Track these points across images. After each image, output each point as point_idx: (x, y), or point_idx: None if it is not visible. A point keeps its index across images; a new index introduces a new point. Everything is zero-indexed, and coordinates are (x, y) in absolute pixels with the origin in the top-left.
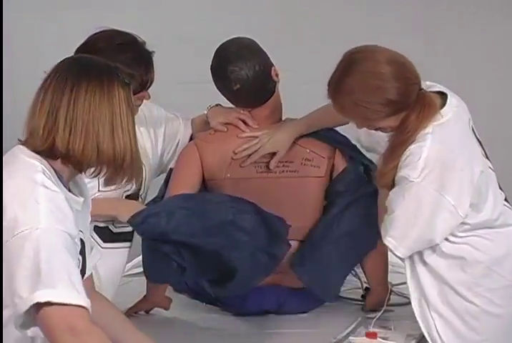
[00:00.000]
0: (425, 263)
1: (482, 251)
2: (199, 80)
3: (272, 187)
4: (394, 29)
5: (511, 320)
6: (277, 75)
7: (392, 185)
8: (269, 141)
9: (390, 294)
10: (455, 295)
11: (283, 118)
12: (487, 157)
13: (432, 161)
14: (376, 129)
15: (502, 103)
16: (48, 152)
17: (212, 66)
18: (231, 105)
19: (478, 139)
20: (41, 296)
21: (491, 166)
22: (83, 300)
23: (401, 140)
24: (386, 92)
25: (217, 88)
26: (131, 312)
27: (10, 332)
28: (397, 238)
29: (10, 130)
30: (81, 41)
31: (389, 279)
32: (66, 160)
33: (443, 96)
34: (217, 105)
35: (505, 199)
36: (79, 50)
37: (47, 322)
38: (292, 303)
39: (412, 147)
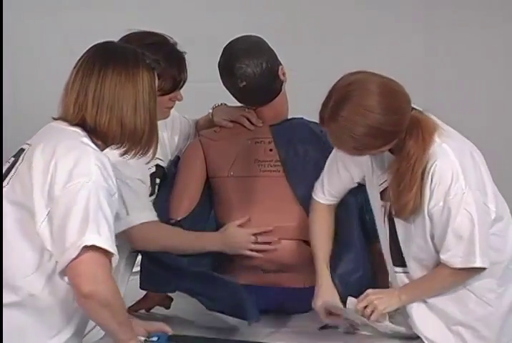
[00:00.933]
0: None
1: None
2: (200, 79)
3: (275, 186)
4: (394, 29)
5: None
6: (284, 74)
7: (415, 211)
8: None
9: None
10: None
11: (288, 118)
12: None
13: (463, 167)
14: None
15: (502, 102)
16: (79, 125)
17: (219, 63)
18: (235, 105)
19: None
20: (88, 240)
21: None
22: (115, 251)
23: (408, 167)
24: (384, 125)
25: (224, 85)
26: (132, 311)
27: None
28: (483, 256)
29: (10, 130)
30: (81, 41)
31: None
32: (94, 134)
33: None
34: (221, 104)
35: None
36: None
37: (77, 266)
38: (293, 303)
39: (437, 165)
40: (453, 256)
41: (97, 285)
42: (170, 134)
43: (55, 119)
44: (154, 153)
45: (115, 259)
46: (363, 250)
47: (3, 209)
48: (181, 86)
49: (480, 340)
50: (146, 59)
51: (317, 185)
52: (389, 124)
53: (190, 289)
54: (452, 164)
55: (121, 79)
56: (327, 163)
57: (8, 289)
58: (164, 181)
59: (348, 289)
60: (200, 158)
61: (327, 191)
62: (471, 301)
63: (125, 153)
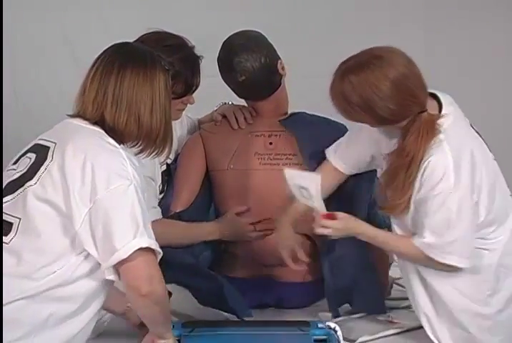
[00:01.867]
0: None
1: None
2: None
3: (275, 179)
4: (394, 26)
5: None
6: (283, 68)
7: (404, 211)
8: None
9: (391, 287)
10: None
11: (288, 113)
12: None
13: (457, 168)
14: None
15: (502, 101)
16: (97, 123)
17: (218, 57)
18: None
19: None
20: (141, 243)
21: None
22: (161, 251)
23: (402, 164)
24: (378, 108)
25: (223, 80)
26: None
27: (85, 284)
28: (458, 253)
29: (10, 130)
30: (81, 41)
31: (389, 273)
32: (112, 132)
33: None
34: (225, 103)
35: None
36: None
37: (134, 268)
38: (292, 297)
39: (431, 163)
40: (429, 247)
41: (154, 285)
42: (180, 133)
43: (71, 116)
44: (169, 153)
45: (158, 258)
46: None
47: (30, 204)
48: (194, 91)
49: (469, 341)
50: (162, 61)
51: (333, 146)
52: (387, 112)
53: (178, 281)
54: (446, 163)
55: (139, 80)
56: (348, 132)
57: (29, 280)
58: (170, 178)
59: (339, 274)
60: (200, 151)
61: (339, 152)
62: (461, 301)
63: (140, 152)
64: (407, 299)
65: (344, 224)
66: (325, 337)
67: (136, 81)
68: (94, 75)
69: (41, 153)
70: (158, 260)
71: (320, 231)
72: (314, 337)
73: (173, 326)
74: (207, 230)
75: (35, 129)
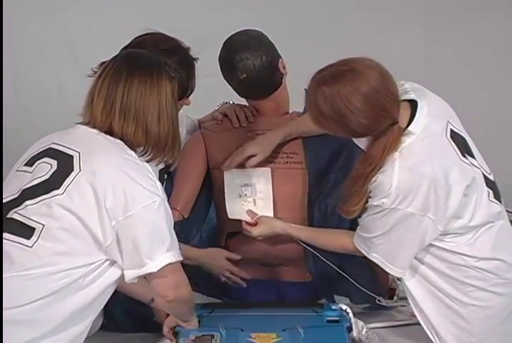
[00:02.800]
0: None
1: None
2: (200, 74)
3: (276, 178)
4: (394, 26)
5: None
6: (284, 67)
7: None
8: (252, 142)
9: (392, 283)
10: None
11: (290, 112)
12: (472, 156)
13: (404, 188)
14: None
15: (502, 99)
16: (107, 132)
17: (219, 56)
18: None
19: (462, 138)
20: (172, 257)
21: (476, 164)
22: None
23: (363, 173)
24: (350, 122)
25: (225, 78)
26: None
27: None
28: (385, 256)
29: (10, 130)
30: (82, 40)
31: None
32: (119, 139)
33: (414, 103)
34: (227, 102)
35: (495, 196)
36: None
37: (163, 279)
38: (294, 296)
39: (380, 177)
40: (377, 254)
41: (181, 290)
42: (180, 133)
43: (84, 124)
44: (177, 162)
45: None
46: None
47: (56, 212)
48: (190, 94)
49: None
50: (168, 68)
51: None
52: (358, 126)
53: None
54: (391, 182)
55: (146, 89)
56: None
57: (46, 279)
58: (168, 177)
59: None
60: (201, 149)
61: None
62: (439, 301)
63: (150, 160)
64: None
65: (263, 228)
66: (337, 318)
67: (143, 90)
68: (102, 83)
69: (65, 161)
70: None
71: (247, 233)
72: (327, 318)
73: None
74: (188, 255)
75: (35, 129)
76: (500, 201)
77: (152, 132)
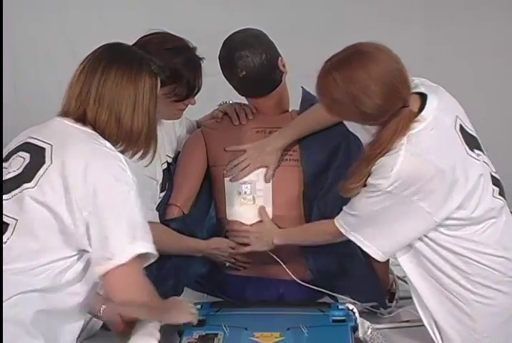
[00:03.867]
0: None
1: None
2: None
3: (275, 175)
4: (394, 26)
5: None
6: (284, 65)
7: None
8: (258, 157)
9: (393, 285)
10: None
11: (290, 110)
12: (481, 150)
13: (404, 174)
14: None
15: (502, 99)
16: (79, 119)
17: (219, 54)
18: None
19: (470, 135)
20: (141, 248)
21: (486, 160)
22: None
23: (372, 154)
24: (363, 105)
25: (224, 76)
26: None
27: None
28: (367, 237)
29: (10, 130)
30: (81, 41)
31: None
32: (92, 129)
33: (425, 97)
34: (226, 102)
35: (500, 193)
36: None
37: (124, 273)
38: (292, 295)
39: (384, 158)
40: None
41: (133, 293)
42: (179, 133)
43: (60, 115)
44: (153, 157)
45: (153, 259)
46: None
47: (28, 206)
48: (196, 93)
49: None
50: (152, 65)
51: None
52: (372, 109)
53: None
54: (393, 164)
55: (123, 81)
56: None
57: (25, 277)
58: (170, 176)
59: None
60: (201, 146)
61: None
62: (443, 297)
63: (121, 153)
64: (408, 298)
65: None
66: (343, 318)
67: (119, 81)
68: (81, 72)
69: (37, 154)
70: (151, 262)
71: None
72: (333, 318)
73: (201, 306)
74: (196, 248)
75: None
76: (505, 198)
77: (125, 124)
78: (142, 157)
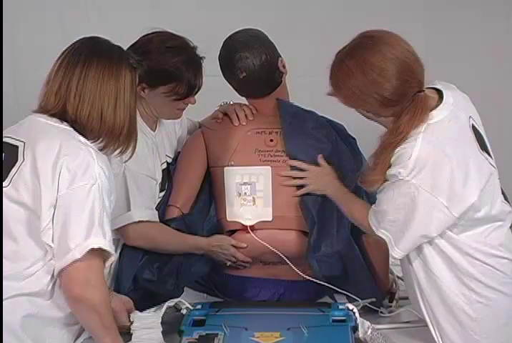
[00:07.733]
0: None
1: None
2: None
3: (275, 176)
4: (394, 26)
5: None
6: (284, 66)
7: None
8: (316, 181)
9: (393, 285)
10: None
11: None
12: (488, 153)
13: (422, 161)
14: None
15: (502, 99)
16: (59, 115)
17: (219, 55)
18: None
19: (481, 136)
20: (94, 243)
21: (493, 164)
22: (115, 253)
23: (392, 142)
24: (382, 89)
25: (224, 77)
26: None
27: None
28: (392, 234)
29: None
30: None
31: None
32: (73, 125)
33: (441, 93)
34: (227, 102)
35: (505, 199)
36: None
37: (73, 269)
38: (292, 295)
39: (403, 146)
40: (386, 230)
41: (89, 290)
42: (179, 134)
43: (37, 111)
44: (133, 152)
45: (112, 259)
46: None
47: (4, 206)
48: (196, 92)
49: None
50: (130, 59)
51: None
52: (390, 92)
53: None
54: (411, 152)
55: (105, 75)
56: None
57: (14, 281)
58: (169, 176)
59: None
60: (201, 147)
61: None
62: (446, 296)
63: (102, 148)
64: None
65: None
66: (343, 318)
67: (101, 75)
68: (60, 66)
69: (11, 153)
70: (110, 262)
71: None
72: (333, 318)
73: (202, 306)
74: (197, 245)
75: None
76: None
77: (107, 119)
78: (123, 152)
